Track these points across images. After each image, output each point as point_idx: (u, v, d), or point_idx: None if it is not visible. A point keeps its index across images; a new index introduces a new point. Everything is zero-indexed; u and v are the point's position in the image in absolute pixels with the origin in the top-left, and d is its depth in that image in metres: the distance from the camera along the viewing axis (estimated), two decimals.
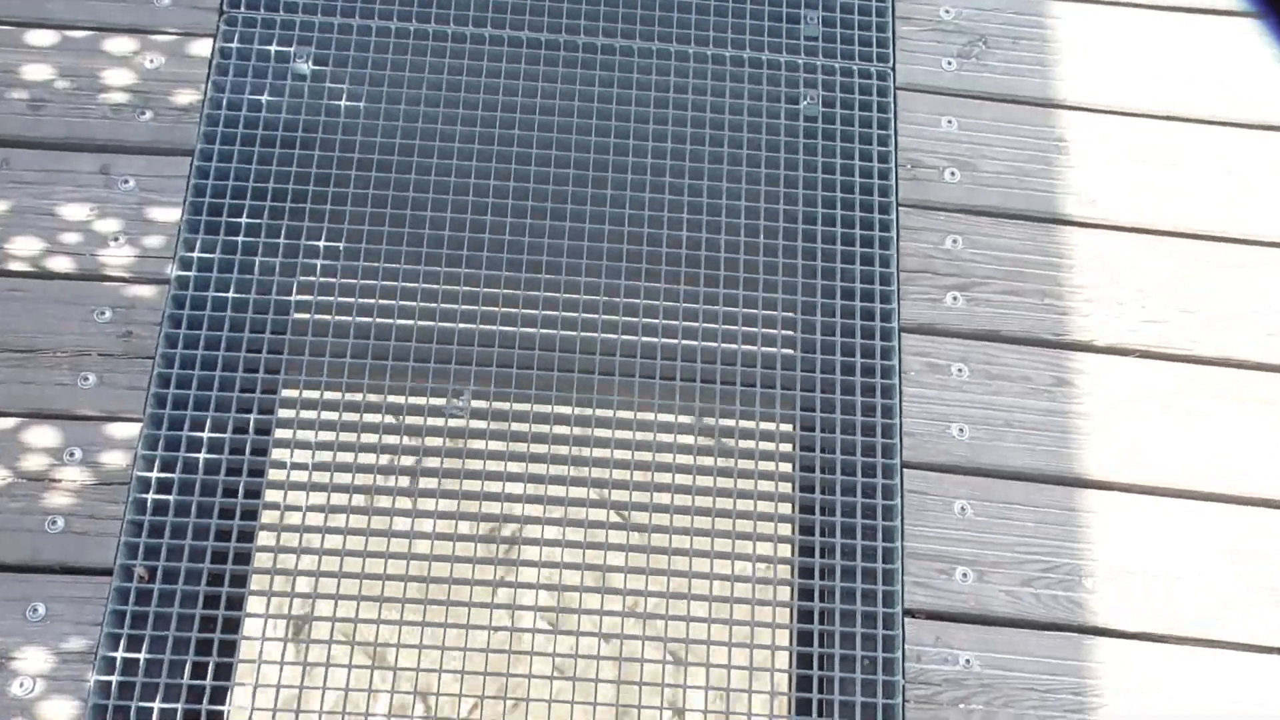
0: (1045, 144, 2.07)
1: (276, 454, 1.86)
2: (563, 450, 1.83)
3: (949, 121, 2.07)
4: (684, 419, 1.86)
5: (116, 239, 1.93)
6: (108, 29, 2.08)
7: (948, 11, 2.16)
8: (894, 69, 2.11)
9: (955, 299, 1.94)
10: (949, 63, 2.12)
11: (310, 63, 2.06)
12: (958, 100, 2.10)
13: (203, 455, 1.81)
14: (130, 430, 1.82)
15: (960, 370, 1.89)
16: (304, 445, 1.84)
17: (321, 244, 1.95)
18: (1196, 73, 2.14)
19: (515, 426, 1.85)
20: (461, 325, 1.91)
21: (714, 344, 1.90)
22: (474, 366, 1.88)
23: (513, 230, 1.97)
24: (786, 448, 1.84)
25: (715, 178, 2.03)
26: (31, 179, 1.97)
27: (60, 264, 1.92)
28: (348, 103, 2.04)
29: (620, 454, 1.83)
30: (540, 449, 1.83)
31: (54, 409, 1.83)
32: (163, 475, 1.79)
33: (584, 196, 2.00)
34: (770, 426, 1.85)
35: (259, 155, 2.00)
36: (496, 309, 1.92)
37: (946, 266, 1.97)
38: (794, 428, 1.87)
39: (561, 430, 1.84)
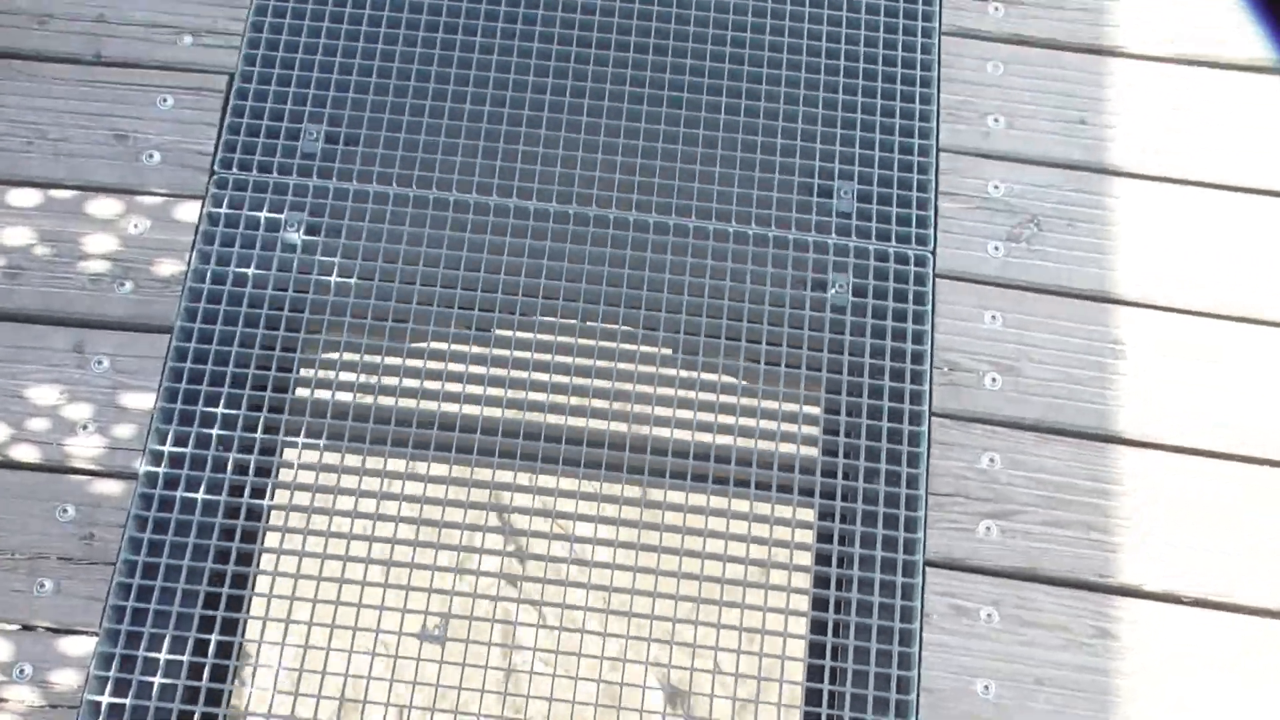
0: (1099, 346, 1.86)
1: (244, 674, 1.73)
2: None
3: (992, 316, 1.87)
4: (675, 671, 1.69)
5: (86, 427, 1.81)
6: (93, 188, 1.96)
7: (996, 187, 1.96)
8: (934, 252, 1.91)
9: (989, 529, 1.75)
10: (996, 247, 1.92)
11: (301, 231, 1.93)
12: (1004, 292, 1.89)
13: (158, 680, 1.68)
14: (85, 646, 1.70)
15: (990, 616, 1.70)
16: (268, 666, 1.70)
17: (301, 439, 1.82)
18: (1273, 267, 1.91)
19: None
20: (443, 551, 1.77)
21: (717, 558, 1.72)
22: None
23: (507, 425, 1.82)
24: (793, 695, 1.66)
25: (730, 373, 1.85)
26: (2, 355, 1.86)
27: (25, 453, 1.80)
28: (338, 278, 1.90)
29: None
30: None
31: (8, 618, 1.71)
32: (114, 700, 1.67)
33: (585, 388, 1.85)
34: (773, 669, 1.67)
35: (241, 336, 1.87)
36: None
37: (981, 490, 1.77)
38: (802, 675, 1.68)
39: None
